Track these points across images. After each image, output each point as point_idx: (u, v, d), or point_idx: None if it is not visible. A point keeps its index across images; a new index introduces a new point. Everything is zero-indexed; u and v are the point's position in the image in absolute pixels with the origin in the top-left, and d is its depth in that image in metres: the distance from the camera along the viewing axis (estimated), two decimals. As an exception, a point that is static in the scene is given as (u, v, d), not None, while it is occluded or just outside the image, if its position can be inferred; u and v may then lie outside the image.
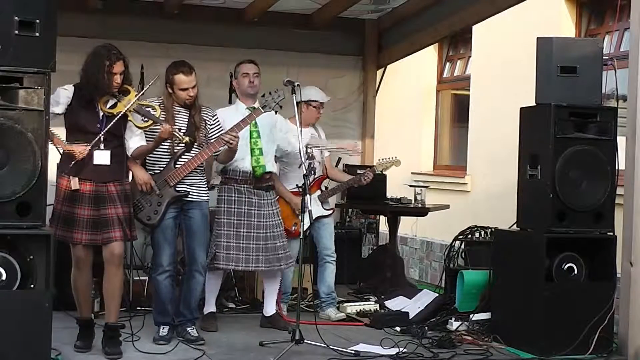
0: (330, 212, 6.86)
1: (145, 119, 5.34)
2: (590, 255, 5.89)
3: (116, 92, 5.26)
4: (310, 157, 6.69)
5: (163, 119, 5.47)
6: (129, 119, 5.27)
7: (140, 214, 5.63)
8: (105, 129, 5.18)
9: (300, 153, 5.85)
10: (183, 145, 5.61)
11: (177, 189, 5.69)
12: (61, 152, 5.34)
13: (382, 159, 6.94)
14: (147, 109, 5.35)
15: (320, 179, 6.83)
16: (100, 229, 5.21)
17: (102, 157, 5.21)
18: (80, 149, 5.15)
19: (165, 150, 5.71)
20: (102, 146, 5.20)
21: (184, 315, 5.80)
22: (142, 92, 5.39)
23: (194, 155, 5.72)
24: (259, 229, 6.10)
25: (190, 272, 5.83)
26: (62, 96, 5.21)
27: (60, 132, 5.30)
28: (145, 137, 5.51)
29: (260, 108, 5.90)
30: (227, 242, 6.02)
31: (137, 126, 5.33)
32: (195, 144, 5.74)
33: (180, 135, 5.48)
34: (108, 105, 5.25)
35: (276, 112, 6.06)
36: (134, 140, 5.43)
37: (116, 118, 5.18)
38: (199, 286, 5.84)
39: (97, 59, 5.19)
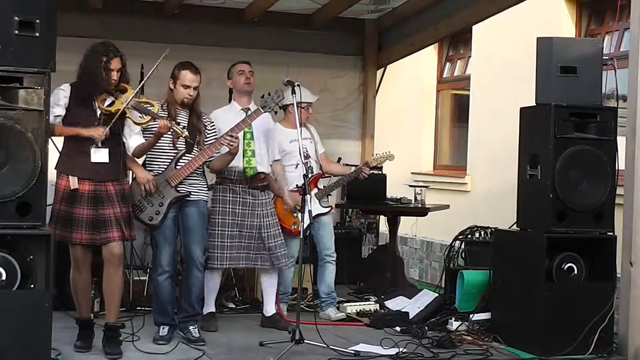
0: (329, 209, 6.85)
1: (143, 116, 5.34)
2: (590, 255, 5.89)
3: (113, 90, 5.26)
4: (306, 157, 6.68)
5: (162, 114, 5.49)
6: (127, 116, 5.27)
7: (141, 214, 5.64)
8: (115, 117, 5.16)
9: (300, 153, 5.86)
10: (183, 140, 5.63)
11: (179, 189, 5.70)
12: (60, 150, 5.35)
13: (377, 154, 6.97)
14: (145, 106, 5.35)
15: (317, 177, 6.82)
16: (99, 228, 5.20)
17: (100, 155, 5.19)
18: (99, 132, 5.13)
19: (167, 151, 5.73)
20: (100, 144, 5.19)
21: (186, 311, 5.81)
22: (142, 83, 5.42)
23: (194, 156, 5.74)
24: (252, 229, 6.11)
25: (187, 268, 5.84)
26: (61, 97, 5.20)
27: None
28: (144, 135, 5.52)
29: (260, 108, 5.92)
30: (222, 242, 6.04)
31: (135, 123, 5.32)
32: (196, 146, 5.75)
33: (179, 129, 5.50)
34: (106, 104, 5.24)
35: (276, 113, 6.07)
36: (134, 139, 5.44)
37: (117, 115, 5.17)
38: (197, 282, 5.83)
39: (94, 55, 5.19)
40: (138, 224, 5.60)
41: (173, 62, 5.91)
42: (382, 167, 7.28)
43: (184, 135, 5.54)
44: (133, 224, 5.39)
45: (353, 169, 6.99)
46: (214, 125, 5.95)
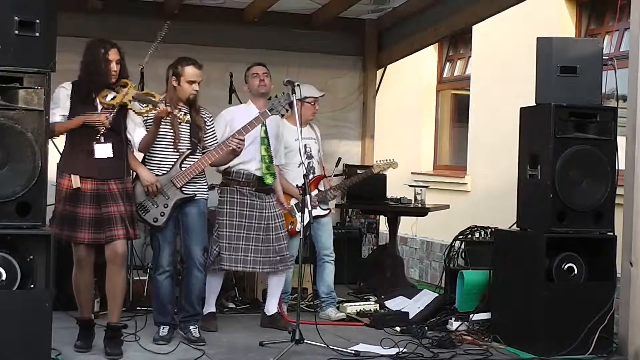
0: (328, 211, 6.85)
1: (145, 105, 5.32)
2: (590, 255, 5.89)
3: (114, 84, 5.26)
4: (309, 157, 6.69)
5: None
6: (128, 107, 5.27)
7: (146, 215, 5.62)
8: (115, 111, 5.17)
9: (300, 153, 5.86)
10: (187, 140, 5.62)
11: (184, 190, 5.69)
12: (61, 150, 5.36)
13: (380, 161, 6.98)
14: (146, 96, 5.35)
15: (318, 178, 6.82)
16: (103, 227, 5.19)
17: (103, 150, 5.19)
18: (102, 118, 5.12)
19: (171, 151, 5.70)
20: (102, 139, 5.19)
21: (186, 311, 5.80)
22: (146, 59, 5.47)
23: (199, 157, 5.73)
24: (259, 231, 6.10)
25: (187, 269, 5.84)
26: (62, 97, 5.21)
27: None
28: (146, 128, 5.50)
29: (267, 111, 5.90)
30: (229, 243, 6.03)
31: (136, 112, 5.31)
32: (199, 145, 5.75)
33: (180, 114, 5.48)
34: (107, 99, 5.25)
35: (282, 116, 6.07)
36: (138, 133, 5.42)
37: (117, 104, 5.17)
38: (198, 282, 5.82)
39: (92, 49, 5.22)
40: (140, 224, 5.59)
41: (171, 62, 5.90)
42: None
43: (185, 120, 5.52)
44: (137, 223, 5.39)
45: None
46: (212, 120, 5.94)
